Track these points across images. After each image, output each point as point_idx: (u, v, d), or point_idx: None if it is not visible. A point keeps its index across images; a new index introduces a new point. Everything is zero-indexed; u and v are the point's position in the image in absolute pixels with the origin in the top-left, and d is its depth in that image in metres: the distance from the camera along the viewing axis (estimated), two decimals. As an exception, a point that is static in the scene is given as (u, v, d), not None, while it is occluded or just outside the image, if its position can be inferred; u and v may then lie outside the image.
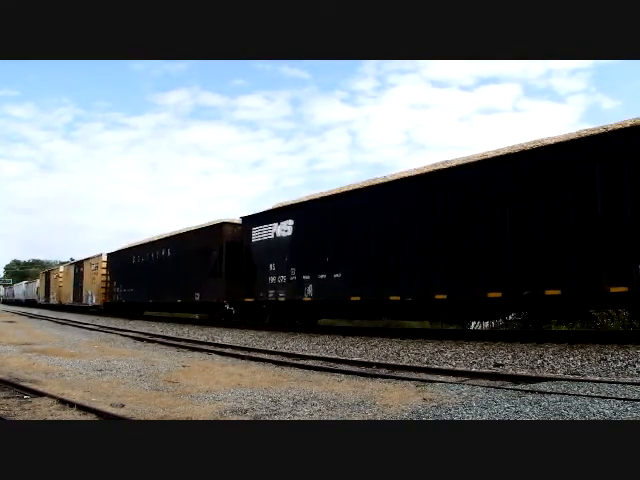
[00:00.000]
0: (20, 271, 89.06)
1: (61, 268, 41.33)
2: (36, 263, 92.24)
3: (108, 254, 29.14)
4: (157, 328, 18.58)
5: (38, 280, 51.47)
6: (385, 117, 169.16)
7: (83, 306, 32.65)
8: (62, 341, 13.50)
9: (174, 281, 20.65)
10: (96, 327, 19.23)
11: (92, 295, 30.57)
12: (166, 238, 23.08)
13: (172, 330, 17.49)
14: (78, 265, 34.59)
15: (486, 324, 15.83)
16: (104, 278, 29.06)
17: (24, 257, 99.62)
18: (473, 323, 15.44)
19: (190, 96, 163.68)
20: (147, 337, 14.91)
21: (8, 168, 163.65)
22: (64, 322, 22.64)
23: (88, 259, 32.27)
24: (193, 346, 12.22)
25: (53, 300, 41.54)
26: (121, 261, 27.11)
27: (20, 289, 64.10)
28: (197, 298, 18.98)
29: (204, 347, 12.01)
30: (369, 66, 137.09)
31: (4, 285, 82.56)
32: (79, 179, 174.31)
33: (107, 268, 28.90)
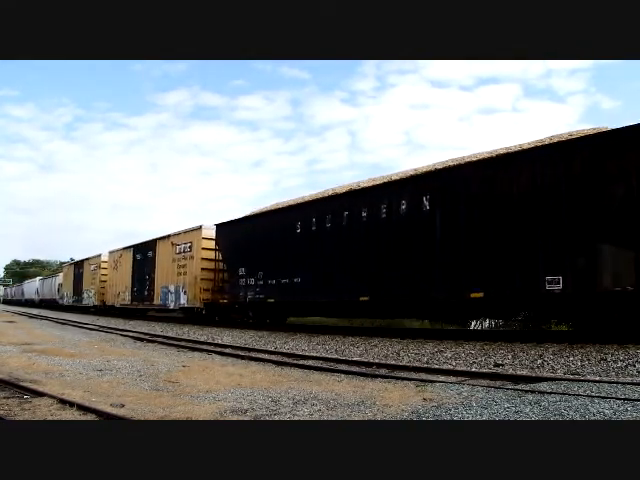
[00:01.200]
0: (20, 271, 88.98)
1: (104, 255, 29.75)
2: (36, 263, 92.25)
3: (218, 225, 18.16)
4: (157, 328, 18.58)
5: (61, 275, 40.13)
6: (385, 117, 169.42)
7: (157, 309, 22.46)
8: (62, 341, 13.50)
9: (449, 258, 10.47)
10: (96, 327, 19.24)
11: (180, 292, 19.64)
12: (403, 181, 12.15)
13: (172, 330, 17.48)
14: (143, 248, 23.82)
15: (486, 324, 15.83)
16: (208, 265, 18.53)
17: (24, 257, 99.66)
18: (473, 323, 15.43)
19: (190, 96, 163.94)
20: (147, 337, 14.91)
21: (8, 168, 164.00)
22: (64, 322, 22.64)
23: (168, 237, 21.28)
24: (193, 346, 12.23)
25: (89, 300, 31.18)
26: (249, 235, 16.22)
27: (32, 287, 52.59)
28: (557, 286, 8.87)
29: (204, 347, 12.01)
30: (369, 66, 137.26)
31: (4, 285, 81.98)
32: (79, 179, 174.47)
33: (218, 249, 18.12)
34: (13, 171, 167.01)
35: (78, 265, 35.15)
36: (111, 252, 28.84)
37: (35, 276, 64.03)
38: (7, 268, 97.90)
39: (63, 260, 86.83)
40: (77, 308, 34.22)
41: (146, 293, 23.19)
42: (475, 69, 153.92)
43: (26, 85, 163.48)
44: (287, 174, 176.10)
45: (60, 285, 39.58)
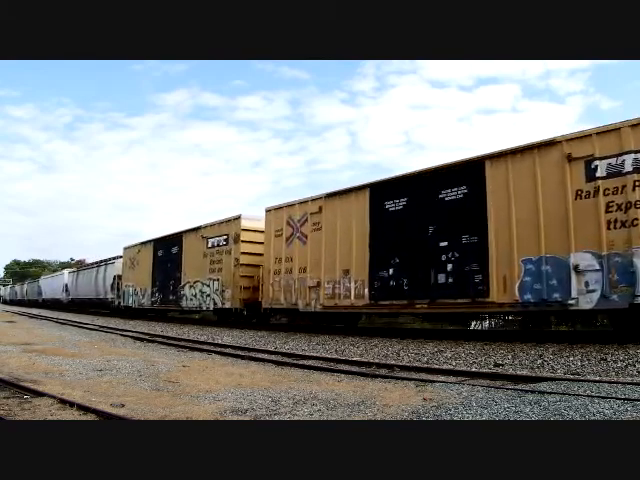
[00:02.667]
0: (20, 271, 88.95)
1: (250, 218, 16.77)
2: (36, 263, 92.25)
3: None
4: (157, 328, 18.57)
5: (118, 262, 26.72)
6: (385, 117, 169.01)
7: (519, 310, 9.84)
8: (62, 341, 13.49)
9: None
10: (96, 327, 19.22)
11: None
12: None
13: (172, 330, 17.48)
14: (417, 183, 11.37)
15: (486, 324, 15.82)
16: None
17: (24, 257, 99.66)
18: (473, 323, 15.42)
19: (190, 96, 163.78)
20: (147, 337, 14.91)
21: (8, 168, 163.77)
22: (64, 322, 22.63)
23: (551, 145, 9.23)
24: (193, 346, 12.22)
25: (202, 301, 18.10)
26: None
27: (55, 283, 40.53)
28: None
29: (204, 347, 12.01)
30: (369, 67, 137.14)
31: (4, 285, 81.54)
32: (79, 179, 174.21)
33: None
34: (13, 171, 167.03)
35: (166, 242, 20.97)
36: (270, 210, 15.35)
37: (36, 276, 60.48)
38: (7, 268, 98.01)
39: (63, 260, 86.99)
40: (161, 314, 22.48)
41: (451, 280, 10.55)
42: (474, 69, 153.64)
43: (26, 85, 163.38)
44: (287, 174, 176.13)
45: (117, 278, 26.28)
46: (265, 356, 10.09)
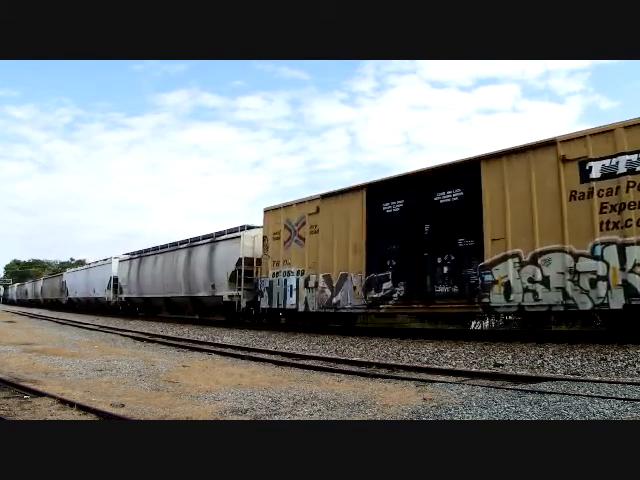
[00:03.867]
0: (20, 271, 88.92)
1: None
2: (36, 263, 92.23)
3: None
4: (157, 328, 18.57)
5: (244, 236, 17.19)
6: (384, 118, 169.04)
7: None
8: (62, 341, 13.50)
9: None
10: (96, 327, 19.22)
11: None
12: None
13: (172, 330, 17.48)
14: None
15: (486, 324, 15.79)
16: None
17: (24, 257, 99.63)
18: (473, 323, 15.39)
19: (190, 97, 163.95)
20: (147, 337, 14.91)
21: (8, 168, 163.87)
22: (64, 322, 22.63)
23: None
24: (193, 346, 12.23)
25: (578, 294, 8.27)
26: None
27: (91, 278, 31.51)
28: None
29: (204, 347, 12.01)
30: (368, 67, 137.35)
31: (4, 285, 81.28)
32: (79, 179, 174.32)
33: None
34: (13, 171, 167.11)
35: (410, 184, 11.72)
36: None
37: (37, 276, 56.56)
38: (7, 268, 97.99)
39: (63, 260, 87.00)
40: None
41: None
42: (474, 70, 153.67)
43: (26, 85, 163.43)
44: (287, 174, 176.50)
45: (243, 263, 16.94)
46: (265, 356, 10.09)
